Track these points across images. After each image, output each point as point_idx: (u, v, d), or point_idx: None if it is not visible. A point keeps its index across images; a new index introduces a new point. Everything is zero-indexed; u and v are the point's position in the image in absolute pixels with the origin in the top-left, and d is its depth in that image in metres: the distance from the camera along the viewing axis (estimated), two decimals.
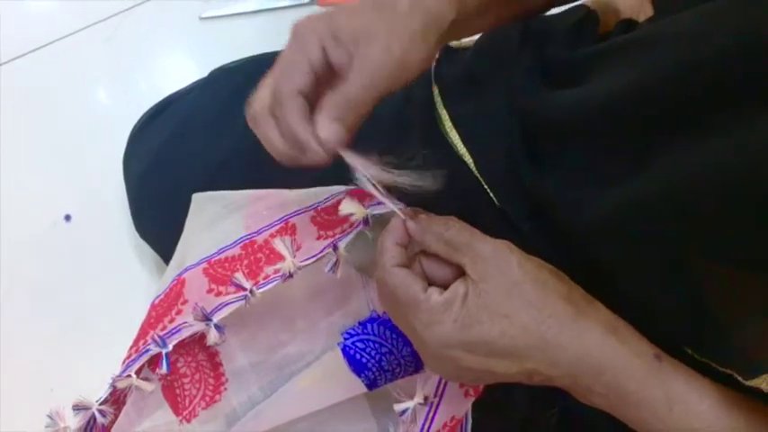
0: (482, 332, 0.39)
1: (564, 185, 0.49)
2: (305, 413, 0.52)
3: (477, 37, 0.62)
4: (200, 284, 0.51)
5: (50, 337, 0.76)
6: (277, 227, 0.53)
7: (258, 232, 0.53)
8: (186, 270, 0.53)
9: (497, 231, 0.54)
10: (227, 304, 0.49)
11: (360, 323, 0.49)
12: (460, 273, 0.42)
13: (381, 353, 0.47)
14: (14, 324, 0.76)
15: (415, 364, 0.50)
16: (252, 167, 0.60)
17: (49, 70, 0.92)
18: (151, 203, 0.68)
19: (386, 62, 0.41)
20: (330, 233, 0.50)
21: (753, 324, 0.37)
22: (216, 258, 0.53)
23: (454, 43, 0.65)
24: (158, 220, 0.68)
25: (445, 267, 0.43)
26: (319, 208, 0.52)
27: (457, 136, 0.57)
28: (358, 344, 0.47)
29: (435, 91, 0.60)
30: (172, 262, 0.57)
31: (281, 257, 0.49)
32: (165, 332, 0.50)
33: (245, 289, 0.48)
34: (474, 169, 0.55)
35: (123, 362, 0.51)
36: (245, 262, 0.51)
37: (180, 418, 0.51)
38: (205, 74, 0.72)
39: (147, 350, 0.49)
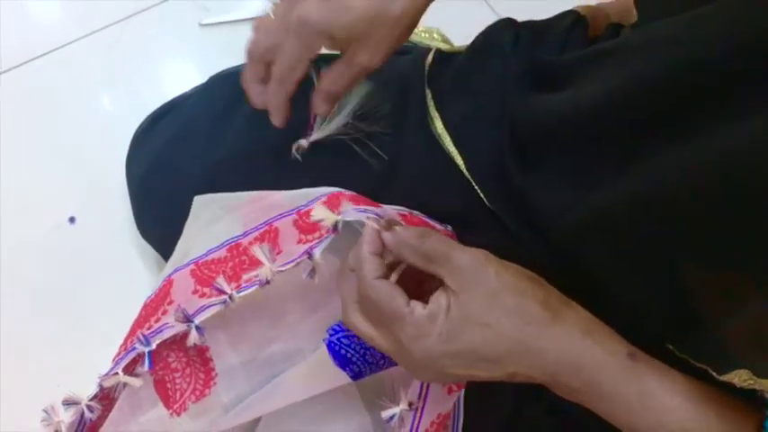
0: (466, 342, 0.41)
1: (552, 187, 0.50)
2: (292, 401, 0.53)
3: (469, 42, 0.64)
4: (186, 285, 0.52)
5: (52, 336, 0.76)
6: (261, 230, 0.53)
7: (244, 235, 0.54)
8: (176, 271, 0.53)
9: (489, 231, 0.56)
10: (209, 307, 0.50)
11: None
12: (436, 283, 0.42)
13: (365, 347, 0.47)
14: (16, 324, 0.76)
15: None
16: (250, 169, 0.62)
17: (53, 76, 0.93)
18: (152, 204, 0.69)
19: None
20: (310, 237, 0.51)
21: (732, 321, 0.38)
22: (203, 260, 0.53)
23: (447, 47, 0.65)
24: (159, 221, 0.69)
25: (418, 278, 0.44)
26: (302, 211, 0.53)
27: (449, 138, 0.58)
28: (343, 340, 0.47)
29: (428, 95, 0.60)
30: (168, 262, 0.58)
31: (261, 262, 0.50)
32: (150, 331, 0.50)
33: (225, 293, 0.49)
34: (465, 171, 0.56)
35: (113, 359, 0.51)
36: (230, 264, 0.52)
37: (170, 411, 0.52)
38: (205, 79, 0.73)
39: (134, 348, 0.50)
